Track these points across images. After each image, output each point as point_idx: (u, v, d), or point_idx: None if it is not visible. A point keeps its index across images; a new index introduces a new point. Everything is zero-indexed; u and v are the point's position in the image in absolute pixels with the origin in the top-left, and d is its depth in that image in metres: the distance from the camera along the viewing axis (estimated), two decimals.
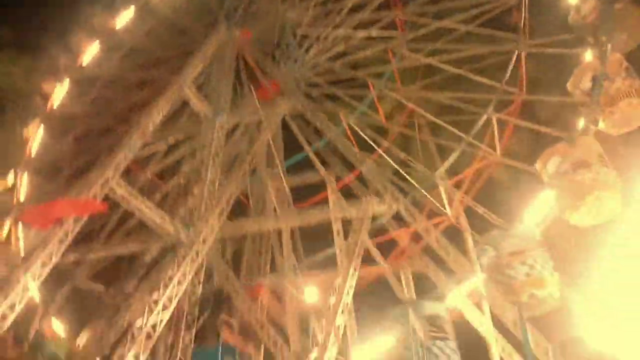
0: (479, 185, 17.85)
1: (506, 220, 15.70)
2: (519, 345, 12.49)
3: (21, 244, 17.59)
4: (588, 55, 16.29)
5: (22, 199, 18.77)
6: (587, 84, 15.90)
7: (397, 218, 16.20)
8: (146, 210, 14.41)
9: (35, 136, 20.20)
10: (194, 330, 13.95)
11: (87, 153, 19.98)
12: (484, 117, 17.21)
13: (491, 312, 14.55)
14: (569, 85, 16.44)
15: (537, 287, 13.13)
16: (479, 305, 15.01)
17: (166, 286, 10.21)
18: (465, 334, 14.91)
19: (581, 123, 15.40)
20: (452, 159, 16.71)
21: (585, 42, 16.47)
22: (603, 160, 14.50)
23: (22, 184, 18.79)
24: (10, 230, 18.06)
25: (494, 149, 17.31)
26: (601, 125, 15.28)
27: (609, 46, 15.52)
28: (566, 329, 9.72)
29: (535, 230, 15.10)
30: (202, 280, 14.98)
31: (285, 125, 20.29)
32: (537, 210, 15.55)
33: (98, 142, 20.21)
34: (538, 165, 15.44)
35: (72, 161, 20.04)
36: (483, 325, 14.45)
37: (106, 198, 14.56)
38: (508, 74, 18.05)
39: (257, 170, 17.40)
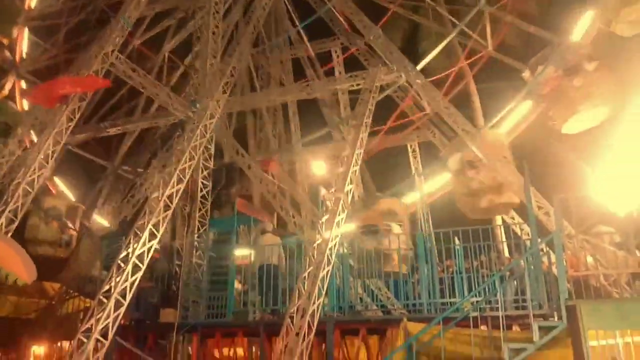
0: (470, 77, 17.45)
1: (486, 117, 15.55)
2: (521, 208, 13.04)
3: (24, 102, 17.91)
4: None
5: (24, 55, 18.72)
6: None
7: (405, 89, 16.00)
8: (151, 86, 14.25)
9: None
10: (209, 201, 14.63)
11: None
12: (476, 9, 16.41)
13: None
14: None
15: (496, 193, 13.47)
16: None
17: (178, 160, 10.42)
18: None
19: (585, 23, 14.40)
20: (446, 41, 16.11)
21: None
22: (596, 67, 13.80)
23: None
24: (13, 86, 18.30)
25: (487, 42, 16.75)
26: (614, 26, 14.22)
27: None
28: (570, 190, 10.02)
29: (504, 136, 15.06)
30: (213, 154, 15.39)
31: None
32: (512, 118, 15.37)
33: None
34: (526, 74, 14.93)
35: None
36: None
37: (109, 75, 14.41)
38: None
39: (260, 42, 16.92)
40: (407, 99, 17.62)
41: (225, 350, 14.38)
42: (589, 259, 9.85)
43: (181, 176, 10.17)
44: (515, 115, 15.50)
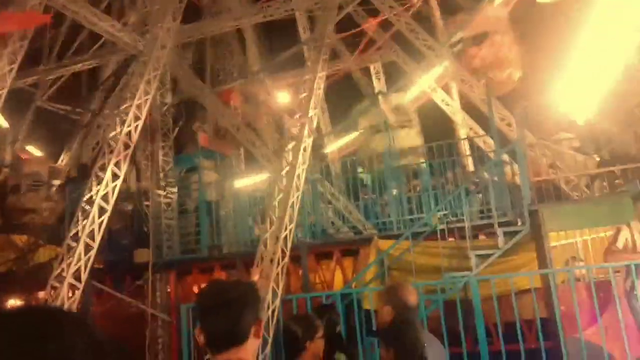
0: None
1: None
2: (483, 121, 13.15)
3: None
4: None
5: None
6: None
7: (366, 6, 15.39)
8: (95, 19, 13.34)
9: None
10: (172, 138, 14.28)
11: None
12: None
13: (458, 93, 15.02)
14: None
15: (497, 68, 13.27)
16: (447, 87, 15.39)
17: (133, 96, 9.96)
18: (433, 116, 15.63)
19: None
20: None
21: None
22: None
23: None
24: None
25: None
26: None
27: None
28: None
29: (503, 10, 14.62)
30: (169, 89, 14.83)
31: None
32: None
33: None
34: None
35: None
36: (450, 105, 14.96)
37: (49, 11, 13.38)
38: None
39: None
40: (370, 19, 17.06)
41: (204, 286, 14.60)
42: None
43: (138, 113, 9.77)
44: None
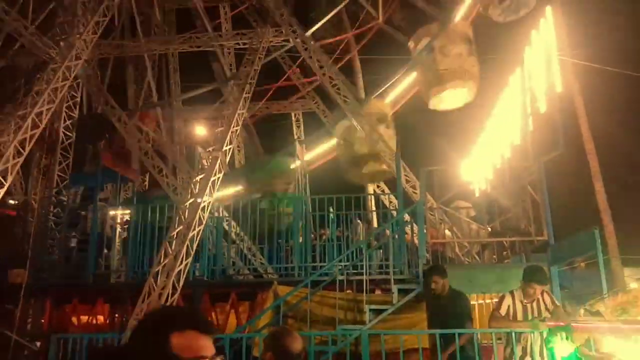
0: (359, 47, 17.75)
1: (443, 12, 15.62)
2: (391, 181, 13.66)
3: None
4: None
5: None
6: None
7: (293, 53, 15.79)
8: (9, 20, 12.49)
9: None
10: (71, 155, 13.37)
11: None
12: None
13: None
14: None
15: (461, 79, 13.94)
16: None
17: (35, 103, 9.26)
18: None
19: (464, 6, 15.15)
20: (337, 9, 16.03)
21: None
22: (470, 48, 14.72)
23: None
24: None
25: (378, 14, 17.05)
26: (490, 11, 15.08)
27: None
28: None
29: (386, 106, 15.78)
30: (79, 103, 14.03)
31: None
32: (397, 89, 16.05)
33: None
34: (411, 44, 15.47)
35: None
36: None
37: None
38: None
39: None
40: (295, 70, 17.51)
41: (84, 317, 13.38)
42: (447, 232, 10.67)
43: (37, 120, 9.06)
44: (400, 87, 16.00)
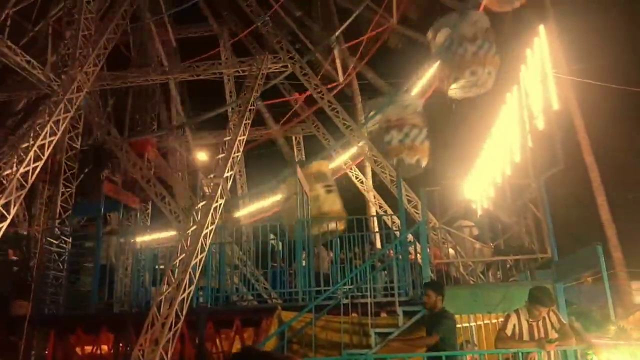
0: (373, 51, 17.82)
1: (395, 87, 16.04)
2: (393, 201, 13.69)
3: None
4: None
5: None
6: None
7: (293, 80, 16.00)
8: (10, 53, 12.72)
9: None
10: (74, 185, 13.45)
11: None
12: None
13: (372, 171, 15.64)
14: None
15: (407, 153, 14.15)
16: (360, 166, 15.99)
17: (37, 136, 9.37)
18: (346, 191, 16.05)
19: None
20: (349, 20, 16.23)
21: None
22: (488, 36, 14.91)
23: None
24: None
25: (392, 15, 17.07)
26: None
27: None
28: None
29: (417, 101, 15.80)
30: (81, 133, 14.16)
31: None
32: (422, 81, 16.13)
33: None
34: (429, 35, 15.57)
35: None
36: (363, 183, 15.48)
37: None
38: None
39: (141, 17, 15.83)
40: (295, 94, 17.69)
41: (88, 348, 13.29)
42: (451, 251, 10.63)
43: (39, 153, 9.16)
44: (423, 79, 16.05)
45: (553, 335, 6.46)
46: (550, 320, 6.56)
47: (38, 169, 9.13)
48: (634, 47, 18.29)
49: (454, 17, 15.13)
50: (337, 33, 16.03)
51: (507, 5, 14.99)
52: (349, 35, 17.13)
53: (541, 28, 9.52)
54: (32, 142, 9.30)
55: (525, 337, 6.57)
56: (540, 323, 6.57)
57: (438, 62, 15.24)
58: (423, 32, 16.04)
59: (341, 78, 16.48)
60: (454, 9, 15.49)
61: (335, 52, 16.22)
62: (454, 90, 14.50)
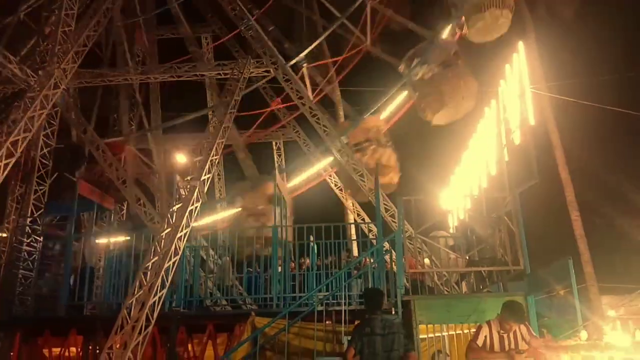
0: (347, 71, 17.97)
1: (361, 109, 16.12)
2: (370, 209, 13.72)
3: None
4: None
5: None
6: None
7: (275, 84, 15.95)
8: None
9: None
10: (48, 183, 13.17)
11: None
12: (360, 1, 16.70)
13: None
14: None
15: (380, 173, 14.36)
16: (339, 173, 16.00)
17: (10, 132, 9.16)
18: (326, 197, 16.09)
19: (449, 26, 15.65)
20: (323, 37, 16.26)
21: None
22: (462, 63, 15.27)
23: None
24: None
25: (366, 36, 17.29)
26: (467, 31, 15.65)
27: None
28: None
29: (383, 123, 16.05)
30: (56, 132, 13.90)
31: None
32: (391, 107, 16.37)
33: None
34: (402, 66, 15.88)
35: None
36: (342, 190, 15.51)
37: None
38: None
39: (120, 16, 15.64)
40: (277, 100, 17.64)
41: (56, 350, 12.95)
42: (426, 261, 10.68)
43: (12, 149, 8.95)
44: (392, 104, 16.28)
45: (523, 346, 6.52)
46: (521, 332, 6.62)
47: (10, 165, 8.91)
48: (609, 67, 18.80)
49: (425, 46, 15.49)
50: (303, 54, 15.93)
51: (487, 37, 15.32)
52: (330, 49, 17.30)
53: (520, 44, 9.67)
54: (4, 138, 9.09)
55: (496, 347, 6.61)
56: (512, 335, 6.62)
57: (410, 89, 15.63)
58: (397, 56, 16.30)
59: (311, 96, 16.38)
60: (425, 37, 15.78)
61: (304, 70, 16.16)
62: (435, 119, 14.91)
